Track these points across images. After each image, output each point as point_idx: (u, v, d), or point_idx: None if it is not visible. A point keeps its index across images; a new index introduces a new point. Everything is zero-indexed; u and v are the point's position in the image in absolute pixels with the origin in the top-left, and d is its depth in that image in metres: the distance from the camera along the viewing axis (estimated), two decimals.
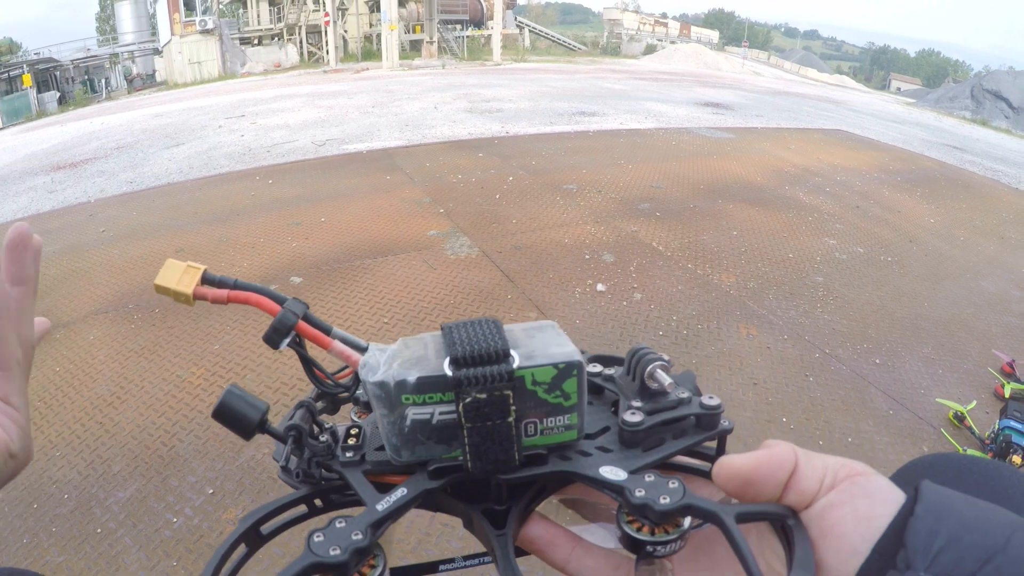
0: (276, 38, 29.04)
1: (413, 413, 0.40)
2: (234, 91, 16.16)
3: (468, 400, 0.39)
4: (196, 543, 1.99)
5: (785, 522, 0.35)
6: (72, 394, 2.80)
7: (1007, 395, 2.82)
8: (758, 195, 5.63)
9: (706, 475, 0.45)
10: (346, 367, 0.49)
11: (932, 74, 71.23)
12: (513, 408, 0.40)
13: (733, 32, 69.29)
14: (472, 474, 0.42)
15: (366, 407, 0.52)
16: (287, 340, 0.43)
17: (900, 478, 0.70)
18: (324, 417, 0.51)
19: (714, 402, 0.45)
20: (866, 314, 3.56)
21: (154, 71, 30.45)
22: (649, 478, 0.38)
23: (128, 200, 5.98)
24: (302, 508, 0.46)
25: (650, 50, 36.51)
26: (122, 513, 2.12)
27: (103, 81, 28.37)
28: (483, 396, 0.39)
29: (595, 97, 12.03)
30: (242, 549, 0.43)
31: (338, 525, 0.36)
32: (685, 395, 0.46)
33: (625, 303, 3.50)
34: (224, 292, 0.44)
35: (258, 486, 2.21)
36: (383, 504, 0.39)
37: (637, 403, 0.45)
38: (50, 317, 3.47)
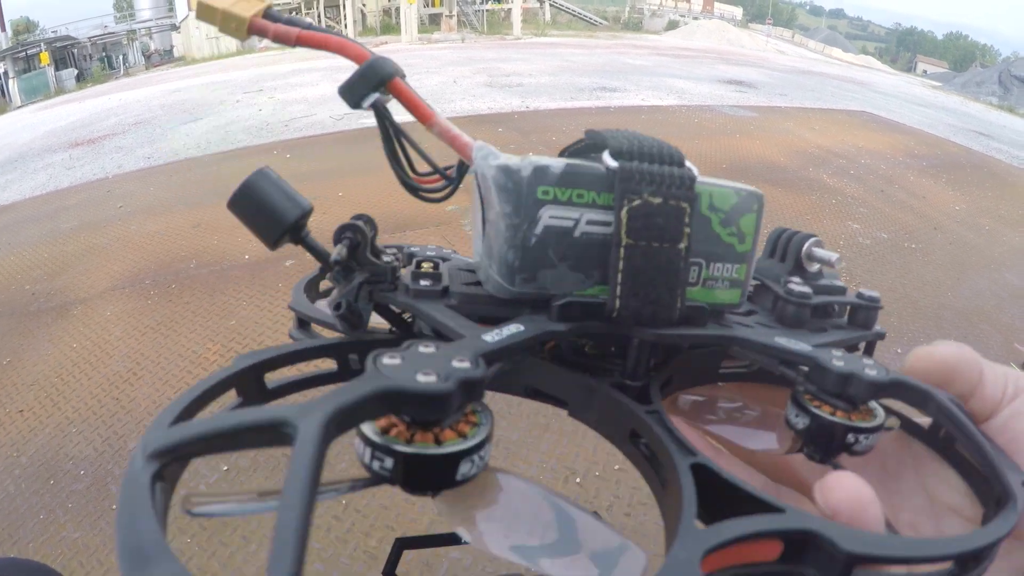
0: (294, 12, 28.93)
1: (550, 215, 0.29)
2: (252, 66, 16.12)
3: (636, 203, 0.28)
4: (210, 520, 1.99)
5: (965, 428, 0.30)
6: (89, 370, 2.81)
7: None
8: (781, 175, 5.53)
9: None
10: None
11: (959, 58, 69.82)
12: (687, 230, 0.29)
13: (757, 9, 68.18)
14: (615, 323, 0.30)
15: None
16: (375, 95, 0.31)
17: None
18: None
19: (874, 294, 0.38)
20: (888, 301, 3.49)
21: (172, 47, 30.40)
22: (837, 352, 0.30)
23: (146, 176, 5.99)
24: (331, 366, 0.34)
25: (672, 26, 36.02)
26: None
27: (121, 58, 28.40)
28: (657, 200, 0.28)
29: (616, 73, 11.87)
30: (232, 397, 0.30)
31: (422, 349, 0.24)
32: (840, 283, 0.39)
33: None
34: (293, 31, 0.31)
35: (273, 463, 2.21)
36: (492, 335, 0.27)
37: (796, 279, 0.37)
38: (67, 294, 3.52)
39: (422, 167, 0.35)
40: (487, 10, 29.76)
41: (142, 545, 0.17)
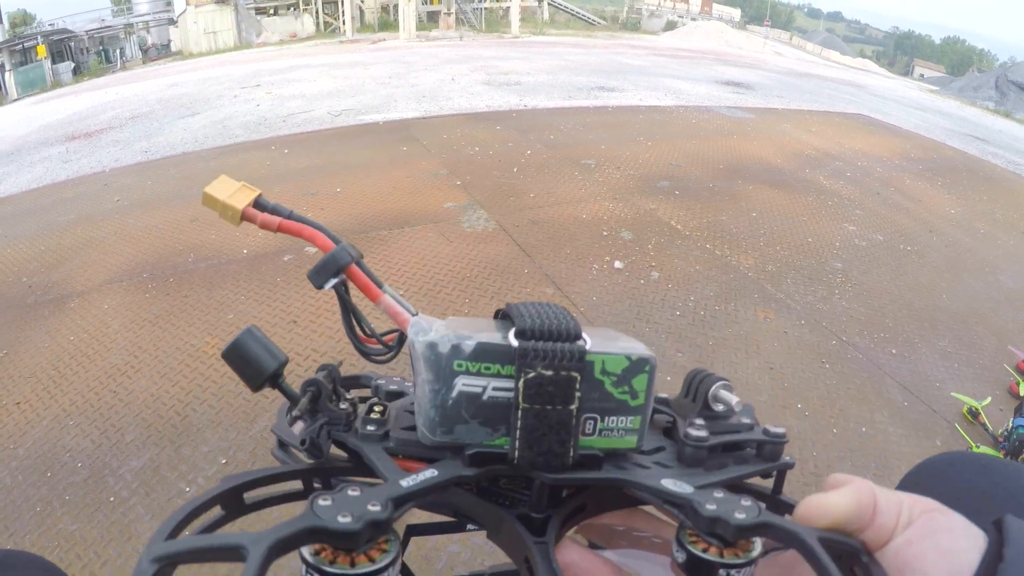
0: (292, 8, 28.81)
1: (463, 383, 0.35)
2: (250, 61, 16.09)
3: (531, 375, 0.34)
4: (208, 513, 1.99)
5: (859, 558, 0.33)
6: (86, 363, 2.81)
7: (1022, 393, 2.78)
8: (778, 177, 5.55)
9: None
10: (387, 333, 0.44)
11: (956, 62, 69.98)
12: (578, 395, 0.35)
13: (755, 11, 68.23)
14: (515, 468, 0.37)
15: (388, 398, 0.46)
16: (334, 280, 0.39)
17: (917, 476, 0.68)
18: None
19: (779, 430, 0.42)
20: (884, 303, 3.51)
21: (169, 41, 30.29)
22: (719, 494, 0.34)
23: (143, 170, 5.98)
24: (297, 485, 0.41)
25: (670, 26, 36.01)
26: (135, 482, 2.13)
27: (118, 51, 28.28)
28: (549, 373, 0.34)
29: (614, 72, 11.89)
30: (218, 512, 0.38)
31: (351, 492, 0.31)
32: (748, 420, 0.43)
33: (642, 281, 3.46)
34: (276, 220, 0.40)
35: (271, 458, 2.21)
36: (408, 480, 0.34)
37: (699, 420, 0.42)
38: (65, 287, 3.52)
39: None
40: (485, 8, 29.73)
41: None
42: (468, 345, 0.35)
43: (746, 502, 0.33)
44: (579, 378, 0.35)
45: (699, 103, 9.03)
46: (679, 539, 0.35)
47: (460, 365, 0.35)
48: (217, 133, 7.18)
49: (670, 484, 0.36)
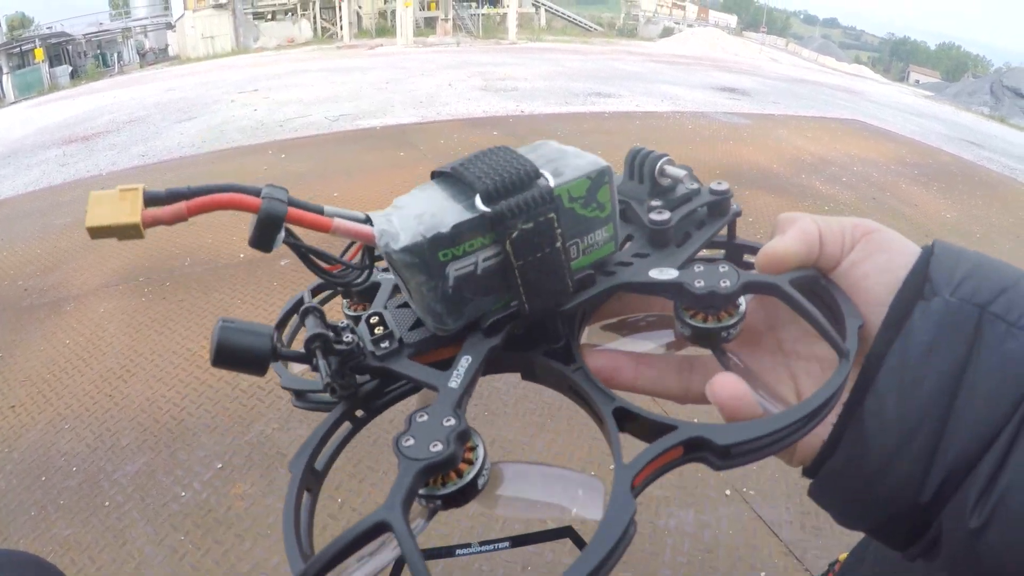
0: (290, 13, 28.85)
1: (455, 269, 0.35)
2: (247, 66, 16.10)
3: (515, 234, 0.35)
4: (204, 517, 1.99)
5: (820, 282, 0.38)
6: (82, 367, 2.80)
7: None
8: (775, 182, 5.56)
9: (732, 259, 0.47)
10: (346, 251, 0.44)
11: (952, 68, 70.10)
12: (559, 231, 0.36)
13: (752, 17, 68.55)
14: (530, 317, 0.38)
15: (361, 296, 0.47)
16: (281, 236, 0.34)
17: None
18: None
19: (723, 187, 0.45)
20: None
21: (167, 45, 30.30)
22: (699, 268, 0.38)
23: (140, 174, 5.97)
24: (346, 427, 0.41)
25: (667, 33, 36.10)
26: (130, 486, 2.12)
27: (115, 55, 28.26)
28: (530, 225, 0.35)
29: (611, 78, 11.91)
30: (306, 497, 0.37)
31: (420, 419, 0.32)
32: (695, 186, 0.45)
33: None
34: (181, 205, 0.33)
35: (267, 461, 2.21)
36: (455, 380, 0.35)
37: (656, 202, 0.43)
38: (61, 290, 3.51)
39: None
40: (483, 14, 29.80)
41: None
42: (446, 232, 0.35)
43: (723, 268, 0.37)
44: (555, 217, 0.36)
45: (695, 108, 9.06)
46: (679, 317, 0.38)
47: (445, 255, 0.35)
48: (214, 137, 7.18)
49: (657, 274, 0.39)
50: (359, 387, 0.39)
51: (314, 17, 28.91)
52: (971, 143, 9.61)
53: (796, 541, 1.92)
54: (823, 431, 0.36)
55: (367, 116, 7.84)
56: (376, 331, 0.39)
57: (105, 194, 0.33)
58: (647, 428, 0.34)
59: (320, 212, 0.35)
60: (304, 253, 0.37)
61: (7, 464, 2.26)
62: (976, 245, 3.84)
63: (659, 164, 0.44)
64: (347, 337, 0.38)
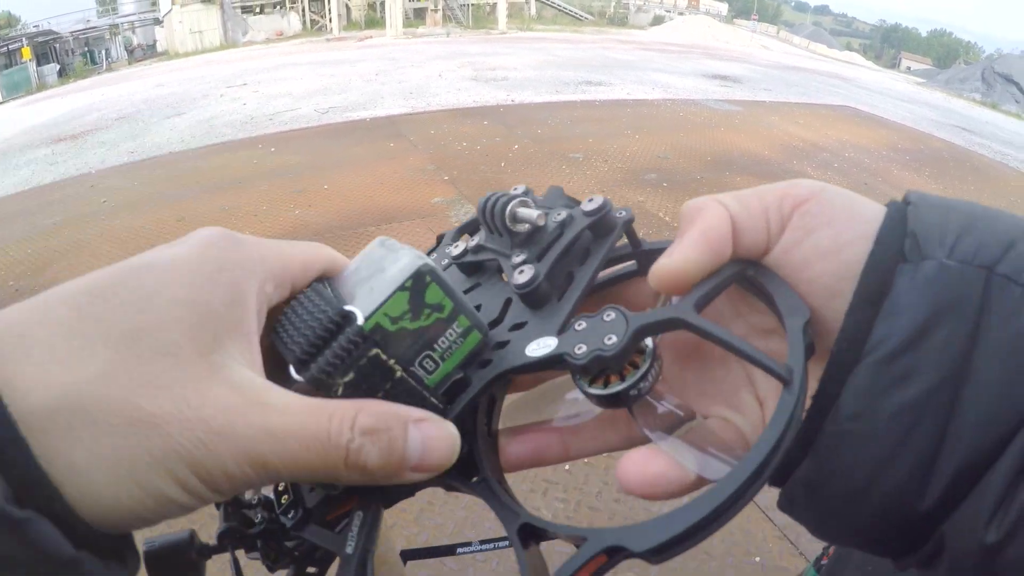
0: (278, 6, 28.70)
1: None
2: (236, 60, 16.02)
3: (340, 391, 0.29)
4: (202, 514, 1.98)
5: (746, 275, 0.31)
6: None
7: None
8: (766, 168, 5.56)
9: (636, 274, 0.39)
10: None
11: (943, 55, 70.18)
12: (391, 361, 0.30)
13: (743, 5, 68.35)
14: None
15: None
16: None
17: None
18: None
19: (596, 203, 0.36)
20: None
21: (155, 41, 30.11)
22: (580, 326, 0.32)
23: (130, 170, 5.95)
24: None
25: (658, 21, 36.03)
26: None
27: (103, 52, 28.08)
28: (350, 376, 0.29)
29: (602, 67, 11.89)
30: None
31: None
32: (563, 215, 0.36)
33: None
34: None
35: None
36: (350, 545, 0.32)
37: (518, 256, 0.36)
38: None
39: None
40: (472, 4, 29.69)
41: None
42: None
43: (609, 316, 0.31)
44: (379, 351, 0.30)
45: (687, 96, 9.05)
46: (579, 387, 0.32)
47: None
48: (203, 132, 7.15)
49: (535, 349, 0.33)
50: (295, 550, 0.38)
51: (303, 10, 28.78)
52: (962, 129, 9.64)
53: (790, 525, 1.93)
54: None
55: (357, 108, 7.81)
56: (283, 500, 0.37)
57: None
58: (561, 540, 0.29)
59: None
60: None
61: None
62: None
63: (507, 211, 0.36)
64: (258, 518, 0.37)
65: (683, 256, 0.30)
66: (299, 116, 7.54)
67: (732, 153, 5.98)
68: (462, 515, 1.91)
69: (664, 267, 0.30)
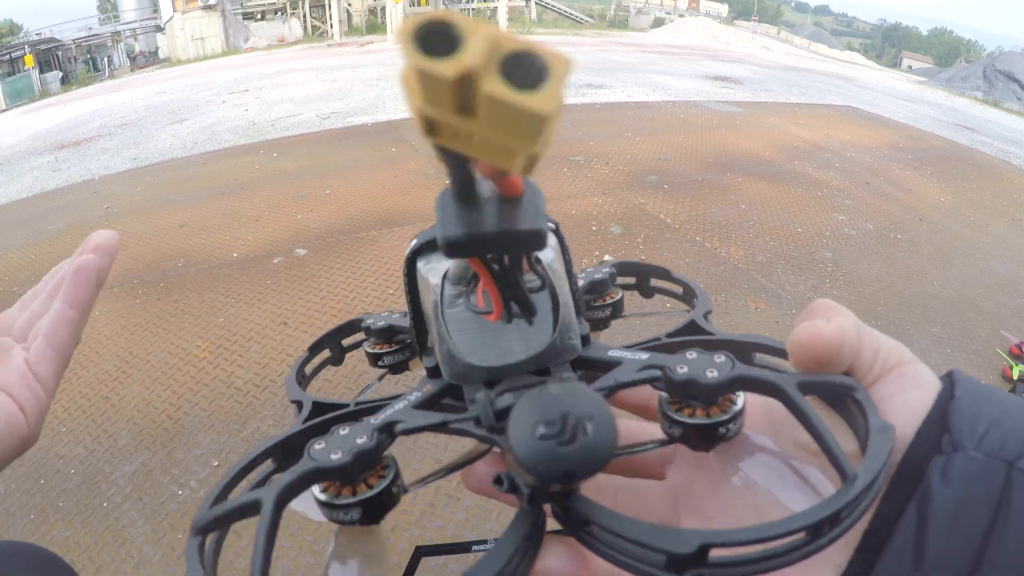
0: (279, 12, 28.77)
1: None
2: (238, 66, 16.05)
3: None
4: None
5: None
6: (78, 370, 2.80)
7: (1015, 377, 2.80)
8: (767, 169, 5.56)
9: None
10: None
11: (944, 53, 70.04)
12: None
13: (743, 6, 68.36)
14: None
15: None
16: None
17: None
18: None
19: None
20: (875, 291, 3.52)
21: (157, 48, 30.23)
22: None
23: (132, 177, 5.96)
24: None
25: (658, 23, 36.06)
26: (128, 487, 2.12)
27: (106, 60, 28.19)
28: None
29: (602, 70, 11.90)
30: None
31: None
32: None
33: None
34: None
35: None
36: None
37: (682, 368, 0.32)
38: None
39: None
40: (473, 9, 29.73)
41: None
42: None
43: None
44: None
45: (688, 98, 9.05)
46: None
47: None
48: (206, 139, 7.17)
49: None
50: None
51: (304, 16, 28.84)
52: (965, 127, 9.62)
53: None
54: None
55: (358, 113, 7.83)
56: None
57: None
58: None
59: None
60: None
61: (7, 469, 2.24)
62: (971, 228, 3.85)
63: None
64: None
65: (839, 330, 0.31)
66: (301, 121, 7.56)
67: (734, 154, 5.98)
68: (462, 517, 1.92)
69: (809, 333, 0.31)
